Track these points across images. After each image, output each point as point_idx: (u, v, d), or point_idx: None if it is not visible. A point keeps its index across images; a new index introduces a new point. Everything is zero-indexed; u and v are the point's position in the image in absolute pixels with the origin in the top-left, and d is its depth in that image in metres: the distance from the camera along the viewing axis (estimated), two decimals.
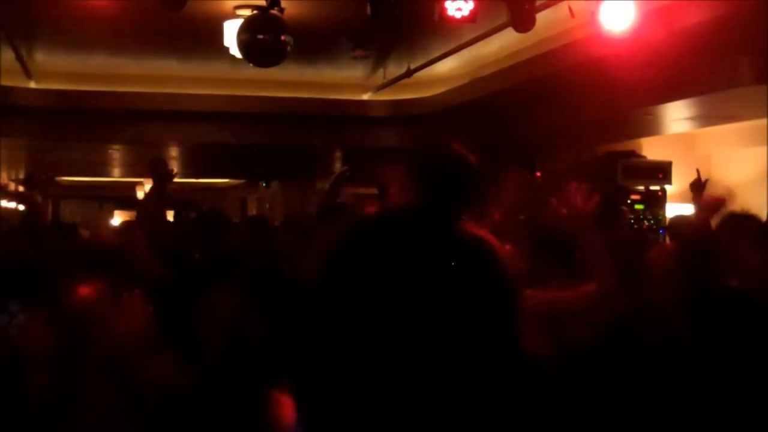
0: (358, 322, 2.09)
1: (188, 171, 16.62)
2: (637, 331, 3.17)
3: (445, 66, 8.83)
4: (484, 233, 2.32)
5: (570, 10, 5.67)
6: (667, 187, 8.83)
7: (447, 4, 5.25)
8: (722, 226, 3.56)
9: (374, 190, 5.38)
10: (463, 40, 7.56)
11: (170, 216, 5.79)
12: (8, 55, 7.86)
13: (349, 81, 9.95)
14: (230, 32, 6.54)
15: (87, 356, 2.84)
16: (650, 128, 8.80)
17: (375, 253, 2.17)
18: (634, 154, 9.02)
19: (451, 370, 2.09)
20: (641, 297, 3.23)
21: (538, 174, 3.01)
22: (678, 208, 8.71)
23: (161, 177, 4.43)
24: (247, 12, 6.48)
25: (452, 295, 2.14)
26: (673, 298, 3.06)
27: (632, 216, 8.55)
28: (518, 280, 2.25)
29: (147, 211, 4.66)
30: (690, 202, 8.74)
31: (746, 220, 3.56)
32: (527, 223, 3.51)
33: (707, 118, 8.06)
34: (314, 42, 7.80)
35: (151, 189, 4.55)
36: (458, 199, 2.33)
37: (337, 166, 13.36)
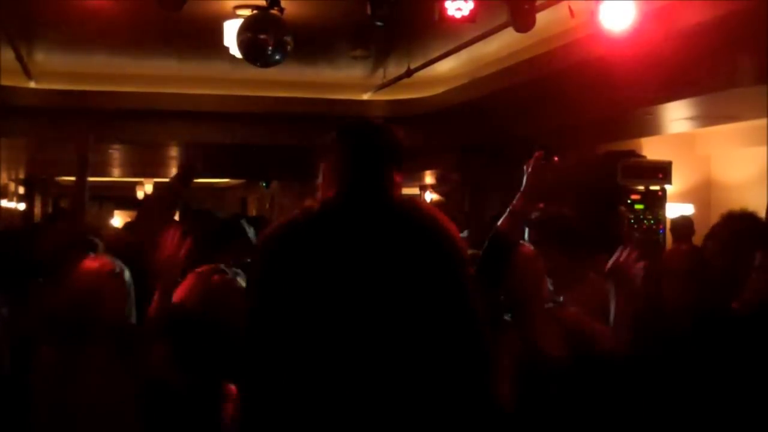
0: (305, 314, 2.09)
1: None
2: (642, 329, 3.17)
3: (445, 66, 8.82)
4: (426, 206, 2.31)
5: (570, 10, 5.67)
6: (667, 187, 8.83)
7: (447, 4, 5.24)
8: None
9: None
10: (463, 40, 7.55)
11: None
12: (8, 55, 7.86)
13: (349, 81, 9.95)
14: (230, 32, 6.53)
15: (92, 332, 2.88)
16: (650, 128, 8.80)
17: (315, 245, 2.17)
18: (634, 154, 9.02)
19: (407, 349, 2.09)
20: (650, 296, 3.23)
21: (556, 159, 2.98)
22: (678, 208, 8.72)
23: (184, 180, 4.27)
24: (247, 12, 6.48)
25: (400, 274, 2.14)
26: (683, 300, 3.06)
27: (632, 216, 8.55)
28: (464, 248, 2.24)
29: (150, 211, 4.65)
30: (690, 202, 8.79)
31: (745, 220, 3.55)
32: (545, 212, 3.49)
33: (707, 118, 8.06)
34: (314, 42, 7.80)
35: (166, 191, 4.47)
36: (388, 167, 2.31)
37: None
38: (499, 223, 2.96)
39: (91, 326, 2.91)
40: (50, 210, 17.76)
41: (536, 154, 2.95)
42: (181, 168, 4.30)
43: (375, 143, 2.31)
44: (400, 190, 2.32)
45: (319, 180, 2.32)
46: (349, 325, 2.07)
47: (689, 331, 3.01)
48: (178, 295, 3.47)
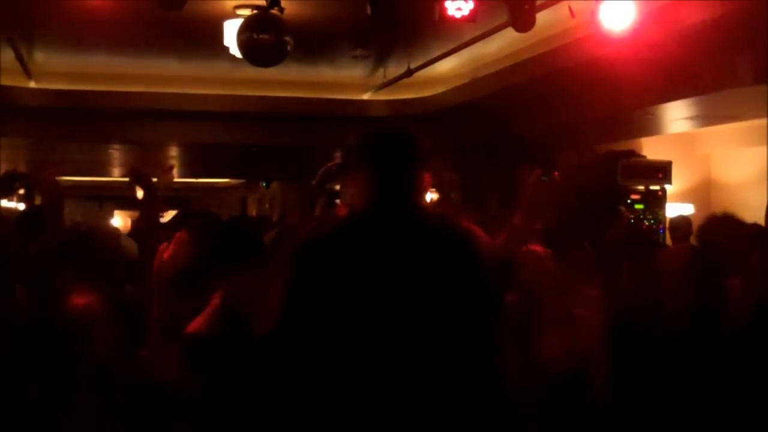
0: (334, 323, 2.13)
1: (188, 171, 16.62)
2: (639, 326, 3.18)
3: (445, 66, 8.82)
4: (453, 219, 2.33)
5: (570, 10, 5.67)
6: (667, 186, 8.83)
7: (447, 4, 5.25)
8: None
9: None
10: (463, 40, 7.55)
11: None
12: (8, 55, 7.86)
13: (349, 81, 9.94)
14: (230, 32, 6.54)
15: (78, 365, 2.83)
16: (650, 128, 8.80)
17: (344, 256, 2.19)
18: (634, 154, 9.03)
19: (429, 360, 2.12)
20: (648, 294, 3.24)
21: (556, 174, 2.98)
22: (678, 208, 8.72)
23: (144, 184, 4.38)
24: (247, 12, 6.48)
25: (427, 286, 2.17)
26: (681, 298, 3.06)
27: (632, 216, 8.56)
28: (494, 262, 2.27)
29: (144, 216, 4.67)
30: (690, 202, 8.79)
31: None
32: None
33: (707, 118, 8.06)
34: (314, 42, 7.80)
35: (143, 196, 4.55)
36: (417, 175, 2.34)
37: None
38: (498, 241, 2.97)
39: (78, 365, 2.84)
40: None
41: (536, 171, 2.95)
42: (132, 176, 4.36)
43: (405, 154, 2.35)
44: (427, 189, 2.37)
45: (337, 186, 2.38)
46: (371, 331, 2.16)
47: (688, 330, 3.02)
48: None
